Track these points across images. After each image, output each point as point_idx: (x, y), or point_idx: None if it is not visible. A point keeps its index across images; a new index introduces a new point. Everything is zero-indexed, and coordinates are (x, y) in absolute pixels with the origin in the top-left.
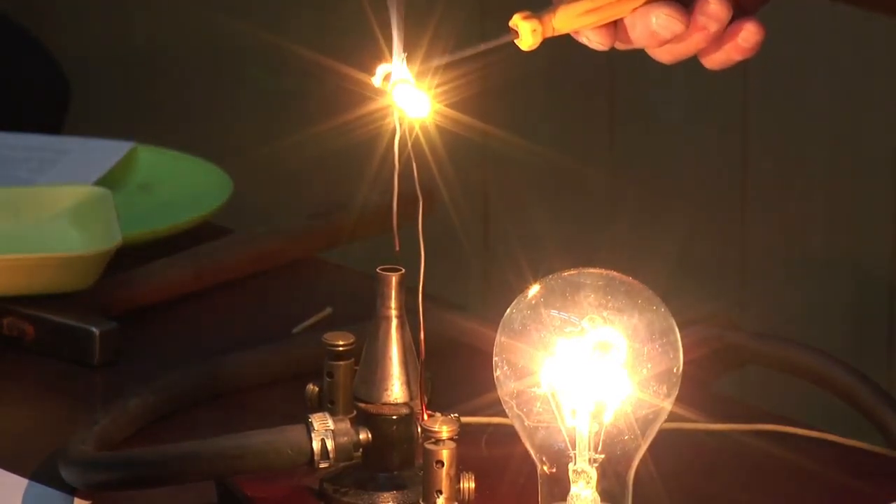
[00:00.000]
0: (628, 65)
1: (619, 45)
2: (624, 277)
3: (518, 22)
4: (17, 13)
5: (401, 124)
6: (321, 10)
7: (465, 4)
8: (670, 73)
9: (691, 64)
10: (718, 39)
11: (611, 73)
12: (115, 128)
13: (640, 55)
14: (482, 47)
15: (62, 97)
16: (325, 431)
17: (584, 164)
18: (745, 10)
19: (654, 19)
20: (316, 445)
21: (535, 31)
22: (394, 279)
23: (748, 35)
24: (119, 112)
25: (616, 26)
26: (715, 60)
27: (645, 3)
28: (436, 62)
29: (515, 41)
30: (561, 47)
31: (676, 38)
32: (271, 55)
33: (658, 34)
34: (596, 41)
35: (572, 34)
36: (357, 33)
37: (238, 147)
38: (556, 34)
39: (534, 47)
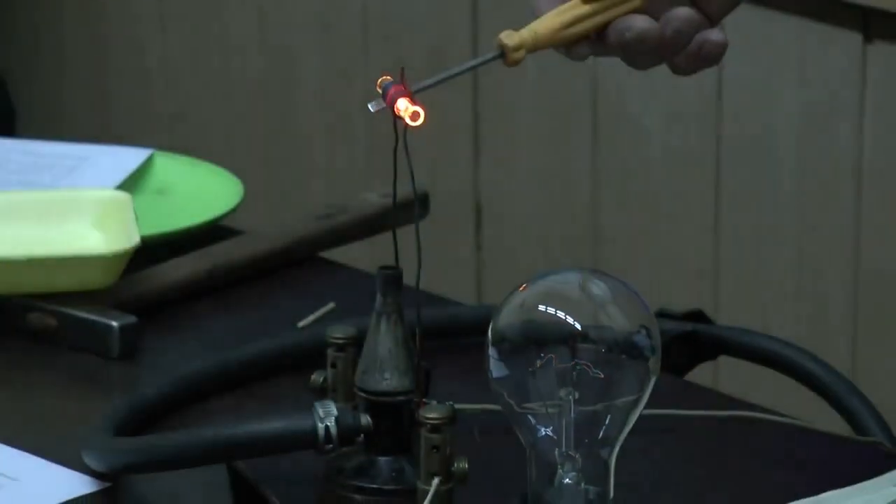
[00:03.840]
0: (611, 77)
1: (595, 55)
2: (607, 274)
3: (504, 40)
4: (42, 25)
5: (400, 133)
6: (327, 30)
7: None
8: (650, 86)
9: (669, 75)
10: (685, 49)
11: (594, 84)
12: (134, 135)
13: (621, 68)
14: (469, 65)
15: (7, 121)
16: (329, 418)
17: (570, 169)
18: (711, 19)
19: (626, 34)
20: (321, 431)
21: (519, 47)
22: (392, 277)
23: (712, 47)
24: (137, 121)
25: (591, 38)
26: (682, 69)
27: (618, 17)
28: (427, 83)
29: (502, 59)
30: (548, 62)
31: (647, 49)
32: (277, 65)
33: (631, 46)
34: (575, 53)
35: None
36: (360, 43)
37: (249, 154)
38: (540, 49)
39: (519, 63)
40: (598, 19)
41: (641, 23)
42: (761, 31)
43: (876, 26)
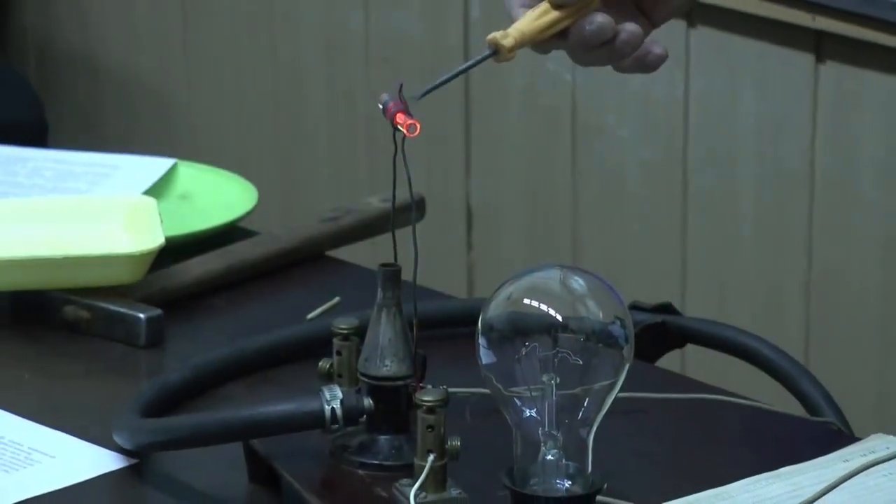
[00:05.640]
0: (589, 93)
1: (554, 48)
2: (586, 271)
3: (500, 41)
4: (76, 49)
5: (398, 144)
6: (332, 52)
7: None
8: (624, 102)
9: (641, 92)
10: (631, 55)
11: (574, 100)
12: (159, 146)
13: (599, 86)
14: (466, 66)
15: (41, 136)
16: (335, 400)
17: (552, 176)
18: (654, 23)
19: (587, 27)
20: (327, 412)
21: (510, 47)
22: (392, 273)
23: (655, 58)
24: (162, 133)
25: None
26: (625, 69)
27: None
28: (426, 88)
29: (493, 57)
30: (534, 79)
31: (600, 44)
32: (288, 84)
33: (588, 38)
34: (542, 47)
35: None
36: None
37: (262, 163)
38: (524, 46)
39: (510, 59)
40: (566, 22)
41: (601, 18)
42: (723, 52)
43: (827, 48)
